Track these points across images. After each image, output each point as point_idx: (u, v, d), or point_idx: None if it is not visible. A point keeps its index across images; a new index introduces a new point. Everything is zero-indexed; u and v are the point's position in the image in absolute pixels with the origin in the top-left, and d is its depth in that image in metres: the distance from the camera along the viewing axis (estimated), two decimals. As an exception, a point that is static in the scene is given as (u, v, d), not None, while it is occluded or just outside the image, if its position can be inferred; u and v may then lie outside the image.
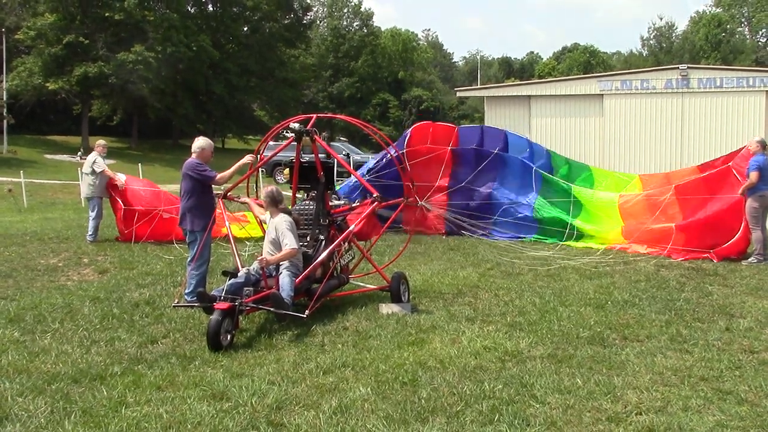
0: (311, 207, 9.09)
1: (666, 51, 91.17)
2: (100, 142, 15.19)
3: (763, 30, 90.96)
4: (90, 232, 14.15)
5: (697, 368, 6.46)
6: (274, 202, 8.44)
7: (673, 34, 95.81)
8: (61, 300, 9.14)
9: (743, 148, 12.92)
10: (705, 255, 12.28)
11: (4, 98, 46.83)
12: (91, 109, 57.56)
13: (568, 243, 14.08)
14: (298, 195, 9.90)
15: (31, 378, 6.13)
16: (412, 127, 16.31)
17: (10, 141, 48.70)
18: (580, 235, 14.27)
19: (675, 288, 10.02)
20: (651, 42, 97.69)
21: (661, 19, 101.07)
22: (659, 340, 7.38)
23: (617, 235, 13.86)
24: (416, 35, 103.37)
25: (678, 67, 41.23)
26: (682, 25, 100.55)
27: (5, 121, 46.49)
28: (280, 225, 8.24)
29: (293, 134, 9.04)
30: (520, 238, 14.68)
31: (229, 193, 9.32)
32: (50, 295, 9.50)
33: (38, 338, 7.43)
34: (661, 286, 10.17)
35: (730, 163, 12.91)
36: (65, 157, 47.52)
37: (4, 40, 50.46)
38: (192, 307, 8.20)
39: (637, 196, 14.10)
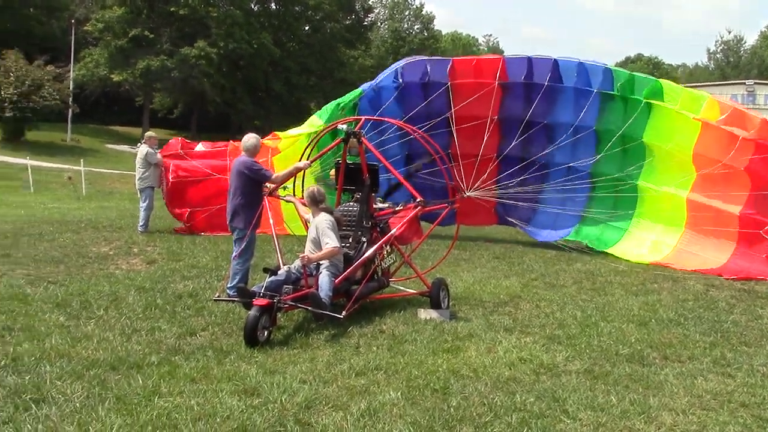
0: (355, 208, 9.12)
1: (733, 65, 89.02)
2: (150, 134, 15.48)
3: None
4: (141, 223, 14.46)
5: (738, 393, 6.28)
6: (315, 202, 8.50)
7: (742, 49, 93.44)
8: (108, 288, 9.35)
9: None
10: (760, 270, 11.93)
11: (71, 88, 48.20)
12: (153, 102, 58.93)
13: (613, 254, 13.79)
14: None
15: (71, 362, 6.28)
16: (452, 58, 15.27)
17: (74, 130, 50.16)
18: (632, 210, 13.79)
19: (723, 309, 9.77)
20: (718, 56, 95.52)
21: (730, 32, 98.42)
22: (701, 362, 7.19)
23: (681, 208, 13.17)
24: (477, 40, 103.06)
25: (744, 83, 40.17)
26: (751, 40, 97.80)
27: (70, 110, 47.82)
28: (321, 224, 8.29)
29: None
30: (560, 237, 14.33)
31: (275, 192, 9.40)
32: (98, 282, 9.73)
33: (82, 324, 7.61)
34: (710, 306, 9.92)
35: None
36: (125, 148, 48.65)
37: (73, 31, 51.95)
38: (232, 301, 8.32)
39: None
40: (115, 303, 8.59)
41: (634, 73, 14.74)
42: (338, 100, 15.53)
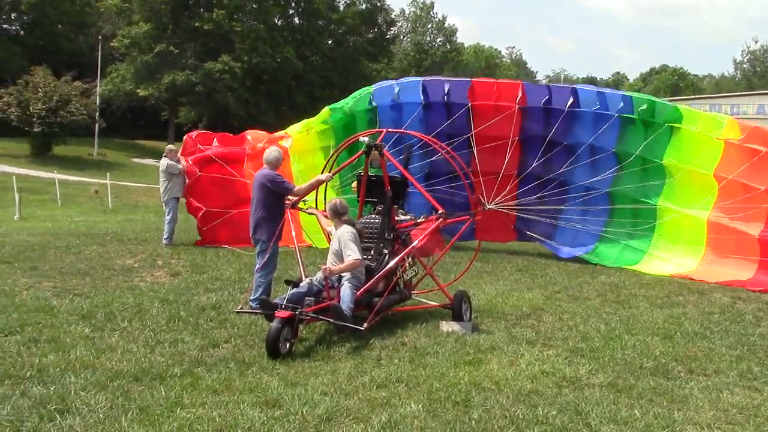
0: (377, 221, 9.13)
1: (760, 75, 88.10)
2: (170, 147, 15.61)
3: None
4: (165, 236, 14.60)
5: (765, 408, 6.18)
6: (337, 214, 8.53)
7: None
8: (132, 300, 9.44)
9: None
10: None
11: (98, 103, 48.88)
12: (178, 116, 59.57)
13: (635, 269, 13.67)
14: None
15: (95, 373, 6.34)
16: (473, 80, 15.19)
17: (100, 144, 50.82)
18: (651, 228, 13.74)
19: (750, 322, 9.63)
20: (744, 66, 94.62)
21: (756, 42, 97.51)
22: (727, 376, 7.10)
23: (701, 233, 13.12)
24: (499, 52, 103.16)
25: (771, 93, 39.74)
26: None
27: (97, 125, 48.47)
28: (343, 236, 8.31)
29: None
30: (578, 254, 14.27)
31: (297, 204, 9.45)
32: (122, 294, 9.83)
33: (107, 335, 7.69)
34: (736, 319, 9.79)
35: None
36: (151, 161, 49.17)
37: (100, 47, 52.76)
38: (254, 313, 8.35)
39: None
40: (139, 315, 8.67)
41: (655, 99, 14.71)
42: (347, 105, 15.55)
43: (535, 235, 15.18)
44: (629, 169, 13.96)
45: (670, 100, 45.05)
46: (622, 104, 14.10)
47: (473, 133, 14.20)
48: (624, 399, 6.26)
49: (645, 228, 13.96)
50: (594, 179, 14.27)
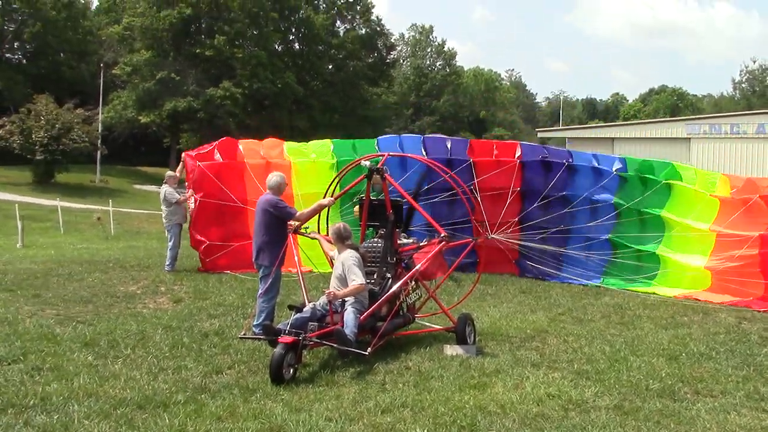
0: (379, 245, 9.13)
1: (759, 95, 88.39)
2: (170, 173, 15.57)
3: None
4: (168, 262, 14.58)
5: (773, 429, 6.14)
6: (341, 239, 8.53)
7: (767, 78, 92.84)
8: (136, 327, 9.42)
9: None
10: None
11: (99, 130, 49.11)
12: (180, 142, 59.80)
13: (636, 289, 13.64)
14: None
15: (99, 402, 6.32)
16: (470, 139, 15.89)
17: (102, 171, 51.00)
18: (653, 274, 13.81)
19: (756, 342, 9.57)
20: (743, 85, 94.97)
21: (755, 62, 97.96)
22: (734, 397, 7.05)
23: (699, 271, 13.22)
24: (499, 75, 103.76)
25: (771, 112, 39.90)
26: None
27: (99, 152, 48.65)
28: (347, 261, 8.31)
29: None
30: (584, 281, 14.30)
31: (299, 229, 9.45)
32: (125, 321, 9.81)
33: (110, 363, 7.67)
34: (742, 339, 9.73)
35: None
36: (153, 188, 49.23)
37: (102, 75, 53.12)
38: (258, 339, 8.33)
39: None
40: (143, 342, 8.64)
41: (650, 159, 15.30)
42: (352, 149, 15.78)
43: (540, 268, 15.11)
44: (627, 219, 14.24)
45: (674, 120, 45.27)
46: (619, 164, 14.56)
47: (475, 182, 14.44)
48: (631, 422, 6.22)
49: (648, 269, 14.05)
50: (593, 223, 14.50)
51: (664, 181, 13.96)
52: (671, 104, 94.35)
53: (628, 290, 13.59)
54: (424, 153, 15.17)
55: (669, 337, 9.74)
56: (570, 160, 14.81)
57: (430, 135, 16.44)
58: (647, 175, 14.15)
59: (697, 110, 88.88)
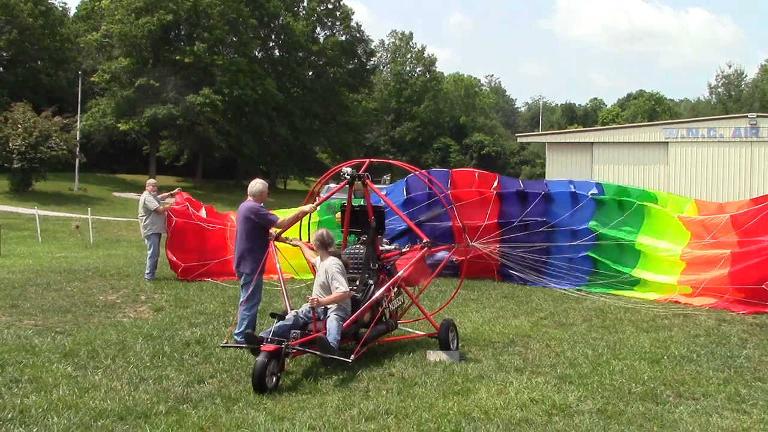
0: (361, 251, 9.11)
1: (735, 99, 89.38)
2: (150, 181, 15.57)
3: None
4: (148, 271, 14.47)
5: (755, 430, 6.18)
6: (324, 246, 8.50)
7: (743, 83, 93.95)
8: (116, 336, 9.33)
9: None
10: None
11: (78, 138, 48.67)
12: (159, 149, 59.43)
13: (617, 293, 13.72)
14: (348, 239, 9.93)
15: (78, 413, 6.24)
16: (452, 170, 16.21)
17: (81, 179, 50.49)
18: (635, 282, 13.93)
19: (736, 344, 9.65)
20: (719, 90, 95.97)
21: (730, 66, 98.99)
22: (716, 399, 7.09)
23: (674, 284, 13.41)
24: (479, 81, 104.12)
25: (747, 116, 40.38)
26: (751, 73, 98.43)
27: (77, 160, 48.22)
28: (330, 268, 8.28)
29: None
30: (567, 287, 14.37)
31: (281, 236, 9.41)
32: (105, 331, 9.71)
33: (90, 374, 7.58)
34: (722, 341, 9.80)
35: None
36: (133, 195, 48.86)
37: (80, 82, 52.69)
38: (240, 347, 8.27)
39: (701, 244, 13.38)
40: (123, 352, 8.56)
41: (625, 186, 15.66)
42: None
43: (522, 276, 15.18)
44: (606, 242, 14.37)
45: (651, 124, 45.65)
46: (595, 189, 14.81)
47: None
48: (614, 425, 6.23)
49: (626, 282, 14.18)
50: (572, 250, 14.68)
51: (638, 203, 14.20)
52: (649, 109, 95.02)
53: (609, 294, 13.66)
54: (404, 193, 15.51)
55: (650, 340, 9.79)
56: (546, 190, 15.10)
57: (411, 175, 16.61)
58: (623, 198, 14.46)
59: (675, 114, 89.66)
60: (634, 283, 14.01)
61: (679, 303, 12.69)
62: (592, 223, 14.45)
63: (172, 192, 15.40)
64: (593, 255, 14.51)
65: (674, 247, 13.59)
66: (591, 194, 14.59)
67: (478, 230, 14.71)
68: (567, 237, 14.75)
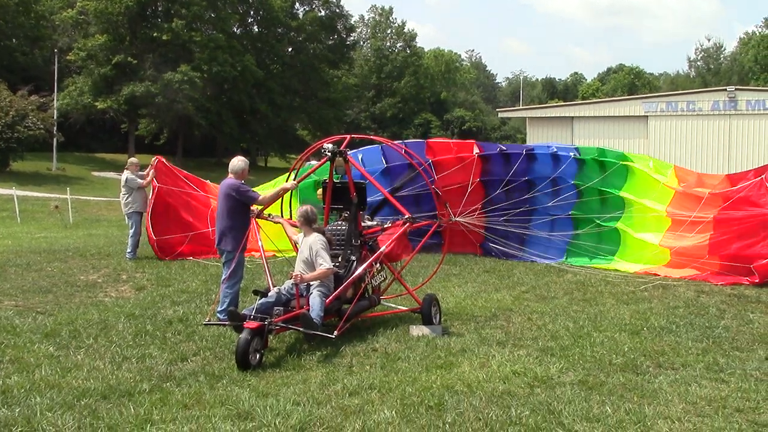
0: (343, 227, 9.10)
1: (714, 72, 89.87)
2: (132, 160, 15.43)
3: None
4: (129, 249, 14.38)
5: (732, 399, 6.27)
6: (308, 222, 8.48)
7: (722, 56, 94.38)
8: (97, 316, 9.29)
9: None
10: (745, 279, 12.02)
11: (55, 117, 48.10)
12: (138, 128, 58.86)
13: (599, 266, 13.85)
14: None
15: (61, 393, 6.21)
16: (427, 140, 16.23)
17: (59, 158, 49.97)
18: (616, 246, 14.08)
19: (714, 315, 9.78)
20: (698, 63, 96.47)
21: (709, 40, 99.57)
22: (695, 369, 7.19)
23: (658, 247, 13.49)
24: (459, 56, 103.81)
25: (725, 89, 40.58)
26: (730, 47, 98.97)
27: (55, 139, 47.70)
28: (314, 244, 8.26)
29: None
30: (548, 259, 14.49)
31: (263, 213, 9.38)
32: (87, 311, 9.66)
33: (72, 353, 7.55)
34: (700, 312, 9.94)
35: (762, 177, 12.59)
36: (112, 174, 48.51)
37: (56, 60, 51.95)
38: (222, 325, 8.26)
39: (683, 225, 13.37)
40: (105, 331, 8.52)
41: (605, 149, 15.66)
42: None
43: (503, 249, 15.27)
44: (588, 197, 14.53)
45: (631, 98, 45.90)
46: (575, 151, 14.93)
47: (435, 178, 14.55)
48: (595, 396, 6.31)
49: (609, 244, 14.33)
50: (555, 203, 14.80)
51: (621, 163, 14.26)
52: (628, 83, 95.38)
53: (590, 267, 13.78)
54: (383, 161, 15.44)
55: (630, 312, 9.90)
56: (530, 150, 15.19)
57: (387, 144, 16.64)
58: (602, 159, 14.51)
59: (654, 89, 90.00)
60: (615, 249, 14.10)
61: (659, 275, 12.83)
62: (575, 180, 14.56)
63: (152, 163, 15.16)
64: (576, 214, 14.62)
65: (658, 205, 13.67)
66: (572, 154, 14.65)
67: (464, 193, 14.71)
68: (549, 197, 14.85)
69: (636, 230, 13.98)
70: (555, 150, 14.91)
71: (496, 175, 15.16)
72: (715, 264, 12.62)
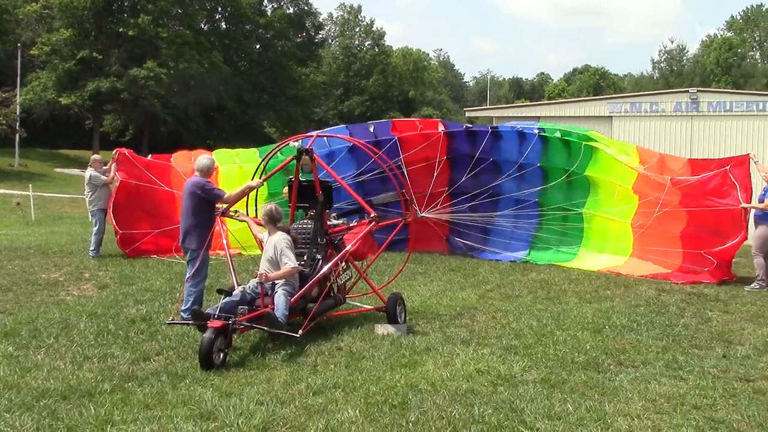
0: (309, 226, 9.08)
1: (677, 74, 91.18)
2: (95, 157, 15.30)
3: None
4: (92, 247, 14.20)
5: (690, 396, 6.38)
6: (273, 221, 8.45)
7: (684, 58, 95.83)
8: (59, 315, 9.16)
9: (740, 157, 12.95)
10: (705, 275, 12.26)
11: (18, 112, 47.26)
12: (103, 124, 58.04)
13: (561, 263, 14.00)
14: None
15: (20, 394, 6.12)
16: (393, 120, 16.30)
17: (22, 154, 49.15)
18: (578, 241, 14.24)
19: (675, 313, 9.95)
20: (662, 65, 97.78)
21: (672, 42, 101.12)
22: (655, 367, 7.31)
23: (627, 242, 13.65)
24: (427, 55, 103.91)
25: (688, 91, 41.18)
26: (693, 49, 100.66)
27: (18, 135, 46.88)
28: (279, 243, 8.23)
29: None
30: (512, 259, 14.60)
31: (228, 211, 9.31)
32: (48, 309, 9.52)
33: (32, 353, 7.43)
34: (661, 311, 10.10)
35: (726, 168, 12.74)
36: (76, 171, 47.74)
37: (19, 55, 51.04)
38: (186, 324, 8.19)
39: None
40: (66, 330, 8.41)
41: (567, 126, 15.82)
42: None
43: (469, 243, 15.37)
44: (555, 181, 14.59)
45: (596, 98, 46.45)
46: (538, 129, 14.90)
47: (401, 158, 14.59)
48: (557, 394, 6.38)
49: (574, 234, 14.46)
50: (522, 192, 14.88)
51: (585, 143, 14.25)
52: (594, 83, 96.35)
53: (554, 265, 13.92)
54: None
55: (593, 310, 10.02)
56: (495, 128, 15.26)
57: (353, 126, 16.82)
58: (567, 137, 14.49)
59: (619, 89, 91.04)
60: (579, 240, 14.27)
61: (621, 274, 13.01)
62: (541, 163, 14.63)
63: (113, 156, 14.91)
64: (542, 200, 14.74)
65: (625, 185, 13.78)
66: (537, 131, 14.68)
67: (431, 170, 14.72)
68: (516, 183, 14.91)
69: (602, 210, 14.09)
70: (520, 128, 14.98)
71: (461, 152, 15.19)
72: (677, 253, 12.79)
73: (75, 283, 11.64)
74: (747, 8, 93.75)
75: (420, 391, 6.40)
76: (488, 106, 68.39)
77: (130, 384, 6.50)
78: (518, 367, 7.18)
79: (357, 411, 5.82)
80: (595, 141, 14.42)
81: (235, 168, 15.57)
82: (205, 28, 63.70)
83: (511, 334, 8.56)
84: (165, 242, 14.39)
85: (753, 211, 12.43)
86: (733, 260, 12.97)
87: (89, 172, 14.53)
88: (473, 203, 15.02)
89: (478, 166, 14.96)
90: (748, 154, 13.00)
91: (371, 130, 15.59)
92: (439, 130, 15.22)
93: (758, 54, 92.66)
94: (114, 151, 14.95)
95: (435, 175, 14.60)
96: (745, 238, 12.39)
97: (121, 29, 53.24)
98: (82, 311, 9.41)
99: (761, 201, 12.29)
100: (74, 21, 53.37)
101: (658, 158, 14.23)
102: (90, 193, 14.48)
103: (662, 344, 8.21)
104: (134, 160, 14.91)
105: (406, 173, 14.09)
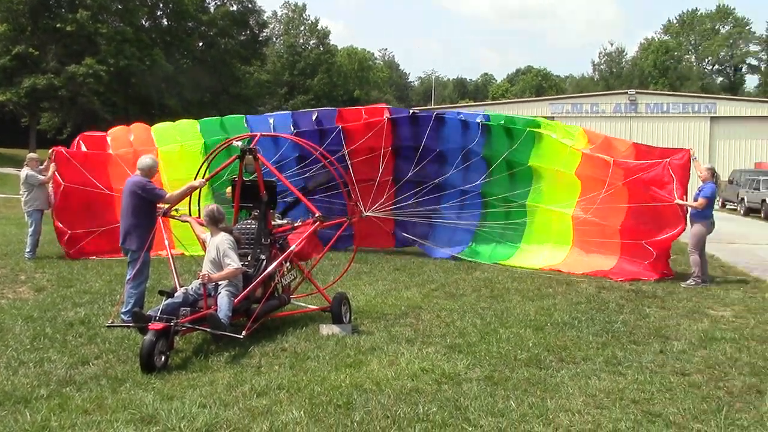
0: (253, 226, 9.00)
1: (616, 76, 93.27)
2: (31, 155, 14.90)
3: (709, 58, 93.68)
4: (28, 249, 13.82)
5: (629, 390, 6.53)
6: (214, 221, 8.34)
7: (623, 60, 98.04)
8: (-7, 319, 8.88)
9: (681, 151, 13.27)
10: (643, 272, 12.58)
11: (-51, 109, 45.77)
12: (40, 122, 56.56)
13: (505, 263, 14.19)
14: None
15: (-48, 401, 5.92)
16: (339, 108, 16.24)
17: (-47, 153, 47.51)
18: (520, 234, 14.48)
19: (614, 310, 10.16)
20: (602, 67, 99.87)
21: (612, 44, 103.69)
22: (595, 363, 7.45)
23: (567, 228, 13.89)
24: (372, 54, 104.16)
25: (627, 92, 42.26)
26: (631, 51, 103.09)
27: (-51, 133, 45.37)
28: (221, 244, 8.13)
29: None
30: (456, 257, 14.73)
31: (170, 212, 9.17)
32: (-19, 313, 9.22)
33: (-36, 359, 7.19)
34: (601, 308, 10.31)
35: (666, 160, 13.00)
36: (11, 170, 46.35)
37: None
38: (127, 326, 8.02)
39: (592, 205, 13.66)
40: (1, 335, 8.16)
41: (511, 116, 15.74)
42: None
43: (413, 237, 15.49)
44: (498, 174, 14.67)
45: (538, 99, 47.16)
46: (481, 118, 14.88)
47: (346, 150, 14.52)
48: (500, 391, 6.45)
49: (516, 226, 14.59)
50: (467, 185, 14.94)
51: (528, 129, 14.33)
52: (536, 84, 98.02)
53: (497, 264, 14.09)
54: (292, 128, 15.21)
55: (535, 308, 10.17)
56: (436, 115, 15.20)
57: (299, 112, 16.60)
58: (510, 126, 14.56)
59: (561, 90, 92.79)
60: (521, 234, 14.48)
61: (562, 272, 13.25)
62: (485, 152, 14.70)
63: (50, 156, 14.52)
64: (485, 191, 14.84)
65: (568, 170, 13.94)
66: (480, 120, 14.70)
67: (377, 161, 14.69)
68: (461, 176, 14.96)
69: (547, 202, 14.28)
70: (463, 117, 15.05)
71: (406, 141, 15.16)
72: (616, 244, 13.08)
73: (10, 286, 11.31)
74: (683, 12, 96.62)
75: (365, 390, 6.40)
76: (433, 106, 68.87)
77: (68, 389, 6.34)
78: (462, 365, 7.24)
79: (301, 412, 5.79)
80: (541, 127, 14.46)
81: (176, 148, 15.30)
82: (146, 24, 62.64)
83: (456, 333, 8.63)
84: (105, 243, 14.07)
85: (689, 209, 12.77)
86: (670, 258, 13.34)
87: (25, 171, 14.14)
88: (418, 196, 15.04)
89: (423, 158, 14.95)
90: (689, 149, 13.27)
91: (314, 117, 15.46)
92: (385, 117, 15.06)
93: (693, 57, 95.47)
94: (51, 150, 14.52)
95: (381, 167, 14.60)
96: (683, 230, 12.70)
97: (58, 24, 51.92)
98: (18, 315, 9.14)
99: (696, 199, 12.64)
100: (9, 15, 51.84)
101: (604, 139, 14.31)
102: (26, 193, 14.09)
103: (602, 340, 8.38)
104: (71, 157, 14.49)
105: (350, 166, 14.10)
